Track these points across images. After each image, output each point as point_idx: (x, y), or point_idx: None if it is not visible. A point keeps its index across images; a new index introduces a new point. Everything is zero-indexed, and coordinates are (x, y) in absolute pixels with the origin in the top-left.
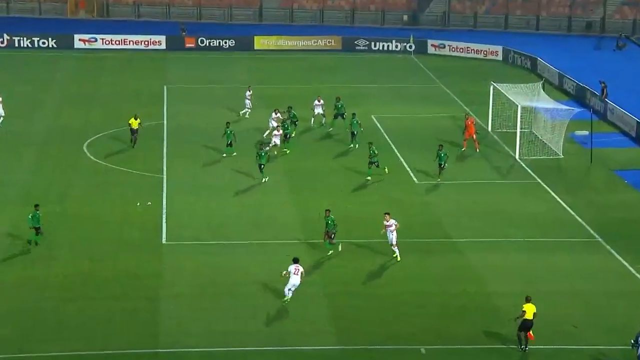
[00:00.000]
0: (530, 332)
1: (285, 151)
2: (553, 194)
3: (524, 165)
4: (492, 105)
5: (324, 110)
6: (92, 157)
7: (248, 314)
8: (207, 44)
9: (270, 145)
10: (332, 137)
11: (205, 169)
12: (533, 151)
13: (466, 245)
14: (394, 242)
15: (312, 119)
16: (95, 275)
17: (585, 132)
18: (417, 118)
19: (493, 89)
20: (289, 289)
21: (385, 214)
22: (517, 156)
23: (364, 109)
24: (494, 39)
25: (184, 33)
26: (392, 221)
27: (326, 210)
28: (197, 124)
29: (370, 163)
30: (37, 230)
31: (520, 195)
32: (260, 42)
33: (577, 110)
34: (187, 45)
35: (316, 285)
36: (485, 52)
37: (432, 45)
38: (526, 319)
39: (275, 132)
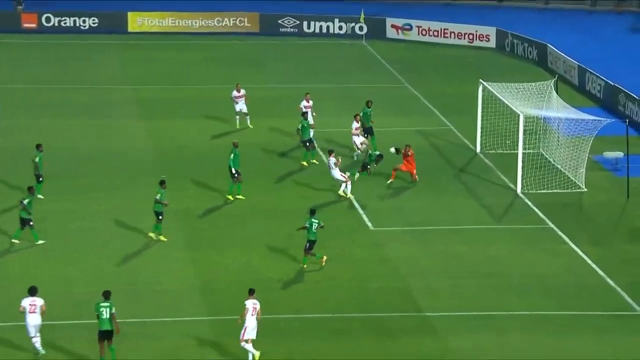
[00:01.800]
0: None
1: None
2: (572, 244)
3: (528, 202)
4: (482, 114)
5: (314, 116)
6: None
7: None
8: (57, 24)
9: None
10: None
11: (56, 210)
12: (542, 182)
13: (444, 322)
14: (247, 337)
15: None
16: None
17: (619, 154)
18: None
19: (483, 91)
20: (33, 336)
21: (249, 291)
22: (518, 189)
23: (295, 120)
24: (485, 18)
25: (20, 7)
26: (249, 302)
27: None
28: (41, 143)
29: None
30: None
31: (523, 246)
32: (137, 22)
33: (606, 121)
34: (25, 25)
35: None
36: (471, 37)
37: (392, 26)
38: None
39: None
